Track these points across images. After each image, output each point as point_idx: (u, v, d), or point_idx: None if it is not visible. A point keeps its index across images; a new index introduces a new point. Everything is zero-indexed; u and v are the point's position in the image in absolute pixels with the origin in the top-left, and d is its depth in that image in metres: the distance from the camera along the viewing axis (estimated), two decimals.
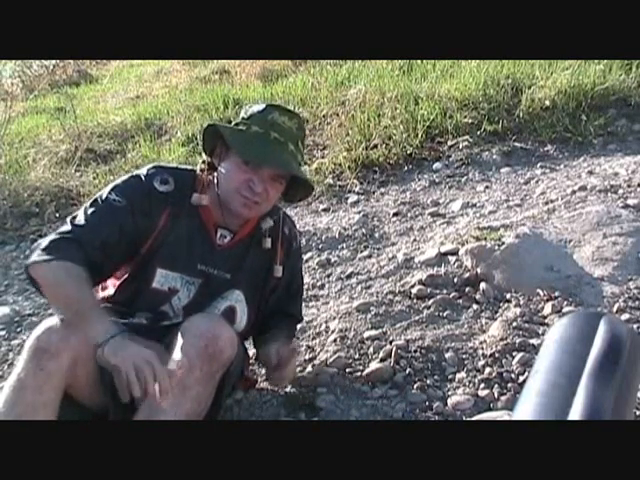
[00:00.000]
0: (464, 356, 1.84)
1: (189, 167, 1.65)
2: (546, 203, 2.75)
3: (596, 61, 3.90)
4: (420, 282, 2.23)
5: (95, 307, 1.36)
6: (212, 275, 1.56)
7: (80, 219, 1.47)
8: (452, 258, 2.34)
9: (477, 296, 2.14)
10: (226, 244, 1.59)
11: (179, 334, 1.42)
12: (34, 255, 1.41)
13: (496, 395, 1.66)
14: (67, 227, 1.46)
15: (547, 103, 3.69)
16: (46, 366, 1.31)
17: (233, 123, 1.57)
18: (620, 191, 2.71)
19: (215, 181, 1.57)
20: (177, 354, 1.37)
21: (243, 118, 1.53)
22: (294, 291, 1.78)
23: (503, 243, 2.30)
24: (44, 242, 1.43)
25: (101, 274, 1.50)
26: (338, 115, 3.97)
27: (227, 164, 1.51)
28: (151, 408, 1.32)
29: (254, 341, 1.78)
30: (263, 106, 1.53)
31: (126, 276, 1.54)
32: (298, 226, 2.88)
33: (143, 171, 1.56)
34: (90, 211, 1.48)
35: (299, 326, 1.92)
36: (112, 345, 1.28)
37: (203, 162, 1.60)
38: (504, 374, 1.73)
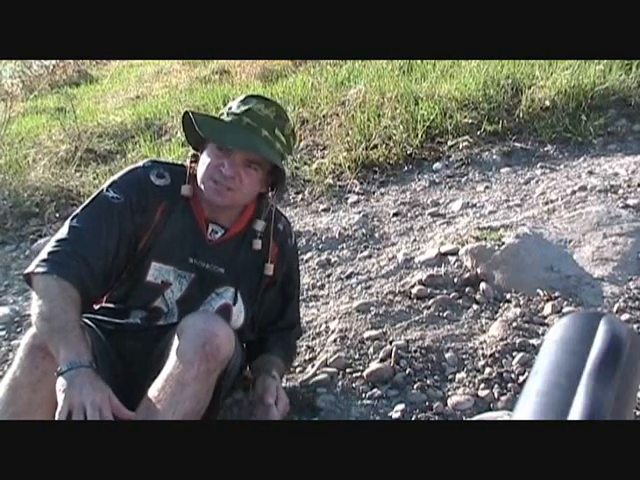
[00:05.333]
0: (464, 356, 1.84)
1: (184, 163, 1.67)
2: (546, 203, 2.75)
3: (596, 61, 3.90)
4: (420, 282, 2.22)
5: (74, 331, 1.32)
6: (204, 269, 1.57)
7: (82, 223, 1.47)
8: (452, 258, 2.34)
9: (477, 296, 2.14)
10: (217, 239, 1.59)
11: (177, 332, 1.42)
12: (35, 262, 1.42)
13: (496, 395, 1.66)
14: (69, 234, 1.45)
15: (547, 103, 3.69)
16: (41, 364, 1.31)
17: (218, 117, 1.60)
18: (620, 191, 2.71)
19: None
20: (175, 353, 1.37)
21: (225, 110, 1.56)
22: (290, 293, 1.76)
23: (503, 243, 2.30)
24: (46, 250, 1.43)
25: (107, 283, 1.50)
26: (338, 115, 3.97)
27: (204, 153, 1.53)
28: (149, 408, 1.32)
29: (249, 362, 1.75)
30: (243, 97, 1.56)
31: (124, 272, 1.54)
32: (298, 226, 2.89)
33: (140, 165, 1.58)
34: (91, 213, 1.49)
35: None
36: (67, 378, 1.24)
37: (191, 155, 1.62)
38: (504, 374, 1.73)
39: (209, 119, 1.55)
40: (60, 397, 1.23)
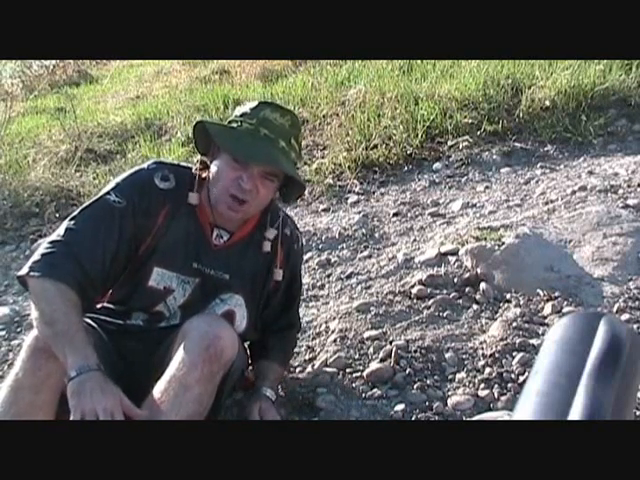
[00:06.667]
0: (464, 356, 1.84)
1: (190, 165, 1.64)
2: (546, 203, 2.75)
3: (596, 61, 3.90)
4: (420, 282, 2.22)
5: (77, 334, 1.31)
6: (208, 275, 1.55)
7: (80, 225, 1.44)
8: (452, 258, 2.34)
9: (477, 296, 2.14)
10: (223, 244, 1.57)
11: (180, 335, 1.41)
12: (28, 264, 1.39)
13: (496, 395, 1.66)
14: (64, 235, 1.42)
15: (547, 103, 3.69)
16: (44, 366, 1.31)
17: (226, 121, 1.56)
18: (620, 191, 2.72)
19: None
20: (178, 355, 1.37)
21: (236, 116, 1.52)
22: (294, 293, 1.77)
23: (503, 243, 2.30)
24: (40, 251, 1.40)
25: (104, 285, 1.49)
26: (338, 115, 3.97)
27: (218, 162, 1.49)
28: (152, 409, 1.32)
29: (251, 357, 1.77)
30: (255, 103, 1.52)
31: (123, 275, 1.53)
32: (298, 226, 2.89)
33: (144, 167, 1.55)
34: (90, 215, 1.46)
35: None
36: (77, 383, 1.24)
37: (198, 161, 1.58)
38: (504, 374, 1.73)
39: (224, 128, 1.51)
40: (71, 404, 1.23)
